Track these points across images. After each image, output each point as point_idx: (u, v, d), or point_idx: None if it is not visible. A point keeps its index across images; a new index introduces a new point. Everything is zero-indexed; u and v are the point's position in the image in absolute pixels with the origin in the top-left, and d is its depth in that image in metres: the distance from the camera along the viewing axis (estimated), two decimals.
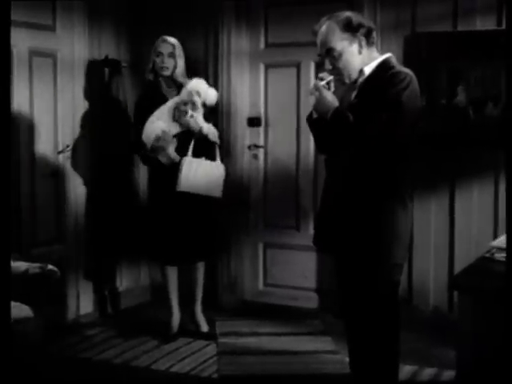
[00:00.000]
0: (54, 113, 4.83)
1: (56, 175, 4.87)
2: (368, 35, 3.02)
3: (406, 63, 4.58)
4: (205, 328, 4.75)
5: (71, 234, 4.99)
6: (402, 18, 4.65)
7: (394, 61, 3.05)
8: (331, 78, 3.03)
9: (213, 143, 4.57)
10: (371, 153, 2.93)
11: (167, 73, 4.61)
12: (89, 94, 5.03)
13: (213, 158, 4.56)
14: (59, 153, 4.87)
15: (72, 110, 4.95)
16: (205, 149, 4.54)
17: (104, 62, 5.10)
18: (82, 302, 5.04)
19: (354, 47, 3.00)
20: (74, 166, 4.96)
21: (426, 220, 4.72)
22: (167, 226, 4.58)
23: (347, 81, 3.05)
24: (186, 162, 4.44)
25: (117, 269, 5.33)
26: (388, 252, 2.98)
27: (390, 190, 2.97)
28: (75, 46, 4.93)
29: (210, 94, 4.55)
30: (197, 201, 4.56)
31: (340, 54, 3.00)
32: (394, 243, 2.98)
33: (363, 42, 3.01)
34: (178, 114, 4.47)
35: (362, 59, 3.01)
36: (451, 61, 4.53)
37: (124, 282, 5.39)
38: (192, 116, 4.46)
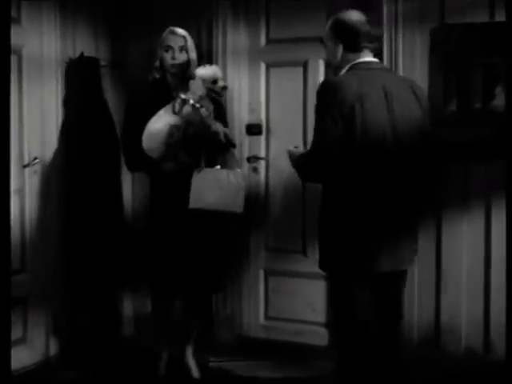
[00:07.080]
0: (18, 118, 4.39)
1: (21, 193, 4.43)
2: (348, 40, 3.19)
3: (431, 60, 4.19)
4: (196, 374, 4.33)
5: (39, 262, 4.53)
6: (429, 7, 4.28)
7: (360, 68, 3.15)
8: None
9: (227, 147, 4.15)
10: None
11: (179, 69, 4.15)
12: (62, 96, 4.64)
13: (230, 166, 4.19)
14: (25, 166, 4.43)
15: (40, 115, 4.52)
16: (220, 156, 4.20)
17: (79, 61, 4.68)
18: (52, 340, 4.62)
19: (334, 48, 3.23)
20: (44, 181, 4.52)
21: (455, 245, 4.29)
22: (169, 253, 4.10)
23: None
24: (196, 174, 3.99)
25: (94, 300, 4.83)
26: (339, 264, 3.14)
27: (343, 201, 3.10)
28: (44, 41, 4.56)
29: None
30: (205, 224, 4.12)
31: (326, 51, 3.32)
32: (343, 254, 3.11)
33: (339, 46, 3.21)
34: (177, 106, 4.02)
35: (341, 61, 3.23)
36: (488, 57, 4.20)
37: (104, 314, 4.92)
38: (195, 107, 4.00)
